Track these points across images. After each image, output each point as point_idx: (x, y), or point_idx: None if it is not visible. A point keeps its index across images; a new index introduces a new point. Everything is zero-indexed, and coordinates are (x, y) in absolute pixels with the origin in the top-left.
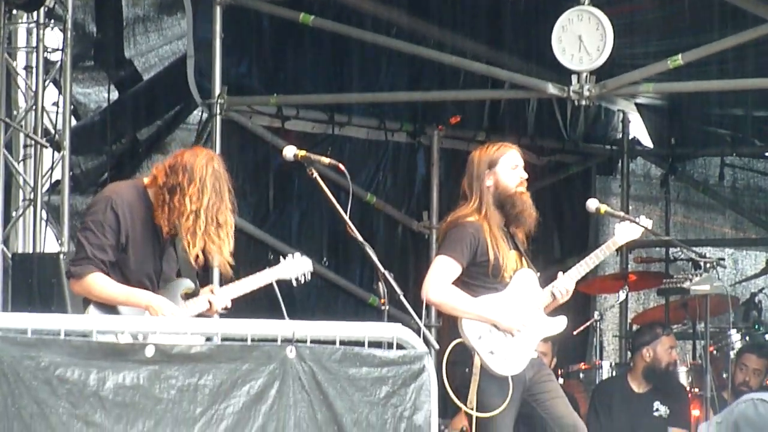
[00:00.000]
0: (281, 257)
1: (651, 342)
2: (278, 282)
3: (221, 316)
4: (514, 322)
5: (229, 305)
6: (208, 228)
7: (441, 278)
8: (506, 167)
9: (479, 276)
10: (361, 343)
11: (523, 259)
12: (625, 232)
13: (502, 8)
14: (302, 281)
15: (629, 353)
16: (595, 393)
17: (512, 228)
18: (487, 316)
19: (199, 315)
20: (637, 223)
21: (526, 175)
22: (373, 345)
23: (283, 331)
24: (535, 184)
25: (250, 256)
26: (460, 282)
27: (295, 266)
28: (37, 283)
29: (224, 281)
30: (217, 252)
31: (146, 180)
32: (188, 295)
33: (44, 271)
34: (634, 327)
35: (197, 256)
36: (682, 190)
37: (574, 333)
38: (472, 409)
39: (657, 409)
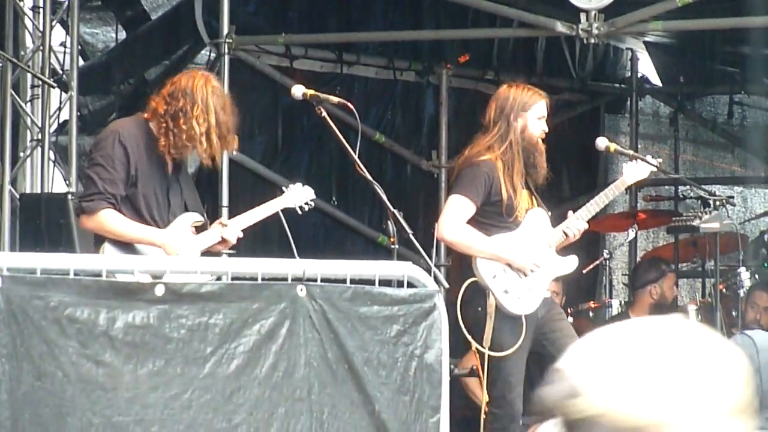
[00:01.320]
0: (283, 188)
1: (657, 280)
2: (283, 212)
3: (230, 255)
4: (528, 261)
5: (241, 236)
6: (223, 142)
7: (455, 217)
8: (535, 115)
9: (492, 215)
10: (371, 282)
11: (534, 198)
12: (635, 170)
13: None
14: (306, 209)
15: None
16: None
17: (530, 172)
18: (502, 255)
19: (210, 248)
20: (647, 162)
21: (547, 129)
22: (383, 283)
23: (294, 269)
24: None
25: (258, 195)
26: (473, 221)
27: (298, 195)
28: (45, 224)
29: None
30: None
31: (146, 114)
32: (198, 229)
33: (52, 212)
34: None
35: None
36: (691, 128)
37: (584, 271)
38: (486, 348)
39: None
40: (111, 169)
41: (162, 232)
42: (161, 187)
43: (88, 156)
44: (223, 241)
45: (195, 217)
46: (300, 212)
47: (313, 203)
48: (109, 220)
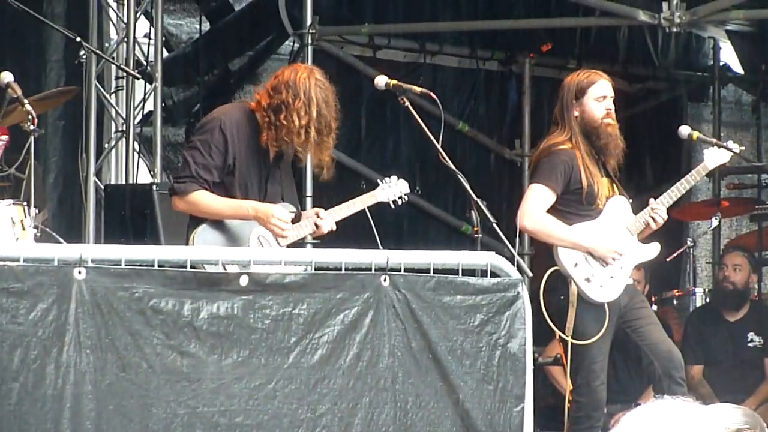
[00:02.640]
0: (378, 181)
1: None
2: (377, 205)
3: (314, 245)
4: (609, 249)
5: (335, 228)
6: (322, 138)
7: (536, 206)
8: (593, 98)
9: (573, 204)
10: (455, 271)
11: (615, 185)
12: (715, 156)
13: None
14: (399, 203)
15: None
16: (689, 322)
17: (602, 156)
18: (583, 244)
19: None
20: (728, 148)
21: (612, 107)
22: (466, 273)
23: (377, 259)
24: (627, 111)
25: (342, 185)
26: (553, 210)
27: (393, 188)
28: (130, 215)
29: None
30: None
31: (252, 104)
32: (291, 220)
33: (137, 203)
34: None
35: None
36: None
37: (668, 259)
38: (569, 336)
39: (751, 340)
40: (207, 155)
41: (252, 202)
42: (260, 175)
43: (188, 138)
44: (318, 229)
45: (288, 208)
46: (393, 206)
47: (407, 197)
48: (201, 199)
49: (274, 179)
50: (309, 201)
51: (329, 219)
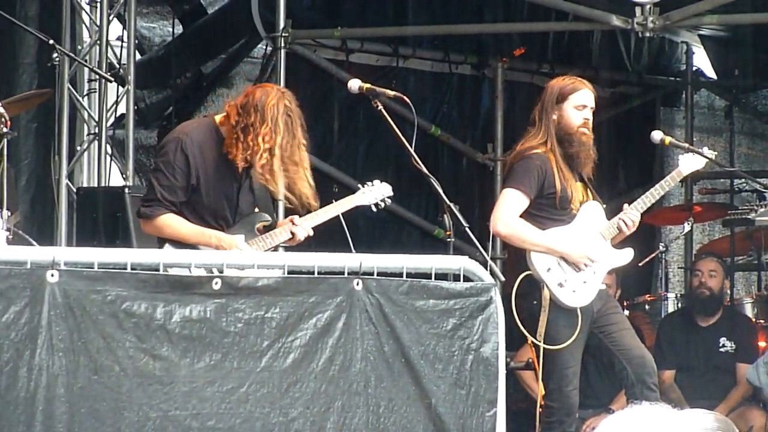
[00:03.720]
0: (358, 186)
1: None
2: (355, 209)
3: (287, 249)
4: (582, 255)
5: (311, 233)
6: (285, 166)
7: (509, 211)
8: (573, 105)
9: (547, 208)
10: (427, 276)
11: (589, 190)
12: (689, 162)
13: None
14: (382, 206)
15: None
16: (661, 327)
17: (573, 163)
18: (557, 248)
19: (280, 246)
20: (701, 154)
21: (591, 118)
22: (439, 277)
23: (350, 263)
24: (600, 116)
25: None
26: (527, 214)
27: (375, 192)
28: (102, 218)
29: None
30: (302, 189)
31: (218, 118)
32: (266, 228)
33: (109, 206)
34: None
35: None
36: (746, 121)
37: (640, 264)
38: (540, 341)
39: (723, 345)
40: (171, 177)
41: (217, 233)
42: (229, 188)
43: (153, 159)
44: (292, 238)
45: (262, 217)
46: (375, 209)
47: (390, 200)
48: (168, 224)
49: (245, 190)
50: (281, 206)
51: (304, 225)
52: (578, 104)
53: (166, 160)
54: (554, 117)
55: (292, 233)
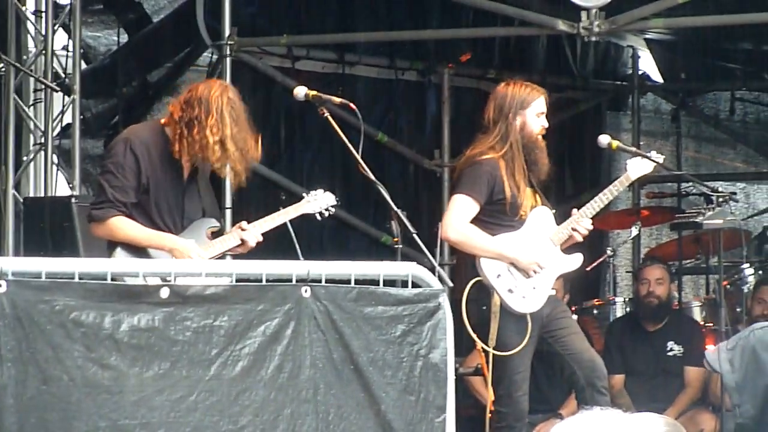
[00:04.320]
0: (303, 194)
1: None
2: (302, 217)
3: (234, 257)
4: (532, 261)
5: (261, 239)
6: (237, 154)
7: (459, 217)
8: (534, 112)
9: (496, 214)
10: (376, 282)
11: (538, 196)
12: (638, 167)
13: None
14: (326, 215)
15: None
16: (609, 332)
17: (529, 170)
18: (507, 255)
19: (230, 251)
20: (649, 158)
21: (547, 125)
22: (387, 284)
23: (298, 270)
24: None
25: (262, 196)
26: (477, 220)
27: (319, 201)
28: (49, 227)
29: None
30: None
31: (163, 120)
32: (214, 234)
33: (56, 215)
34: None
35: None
36: (693, 125)
37: (588, 269)
38: (491, 347)
39: (671, 349)
40: (121, 177)
41: (171, 236)
42: (176, 192)
43: (101, 162)
44: (242, 244)
45: (210, 223)
46: (319, 218)
47: (333, 209)
48: (119, 226)
49: (191, 195)
50: (228, 213)
51: (254, 231)
52: (538, 111)
53: (115, 161)
54: (516, 123)
55: (242, 239)
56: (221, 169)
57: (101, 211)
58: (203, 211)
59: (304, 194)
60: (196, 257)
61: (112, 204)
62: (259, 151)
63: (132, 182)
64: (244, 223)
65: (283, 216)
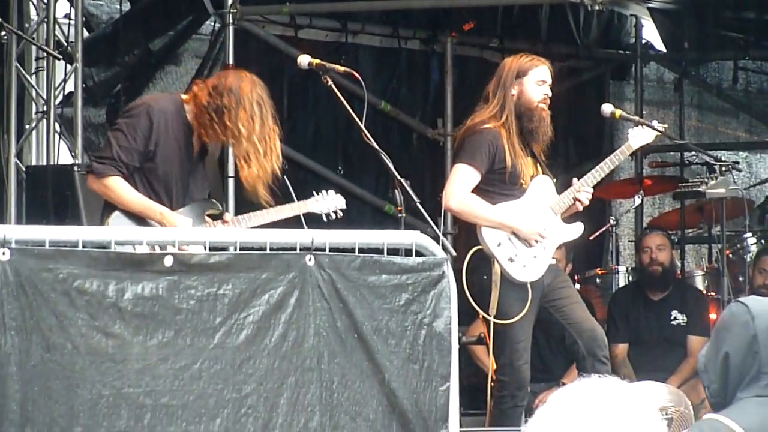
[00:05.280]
0: (314, 192)
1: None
2: (307, 214)
3: None
4: (533, 231)
5: None
6: (264, 153)
7: (461, 186)
8: (533, 80)
9: (497, 183)
10: (379, 251)
11: (539, 165)
12: (640, 136)
13: None
14: (333, 218)
15: None
16: (612, 301)
17: (530, 139)
18: (509, 224)
19: None
20: (652, 127)
21: (550, 93)
22: (391, 252)
23: (302, 239)
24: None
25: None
26: (477, 189)
27: (328, 202)
28: (52, 196)
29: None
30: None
31: (185, 96)
32: (214, 217)
33: (58, 184)
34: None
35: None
36: (696, 94)
37: (590, 238)
38: (492, 316)
39: (675, 318)
40: (131, 138)
41: (164, 209)
42: (183, 169)
43: (112, 119)
44: None
45: (211, 205)
46: (326, 219)
47: (342, 213)
48: (115, 187)
49: (196, 174)
50: (231, 182)
51: (243, 224)
52: (538, 80)
53: (130, 122)
54: (513, 92)
55: None
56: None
57: (102, 166)
58: (208, 194)
59: (314, 192)
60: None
61: (115, 162)
62: (279, 156)
63: (140, 146)
64: (227, 215)
65: (287, 211)
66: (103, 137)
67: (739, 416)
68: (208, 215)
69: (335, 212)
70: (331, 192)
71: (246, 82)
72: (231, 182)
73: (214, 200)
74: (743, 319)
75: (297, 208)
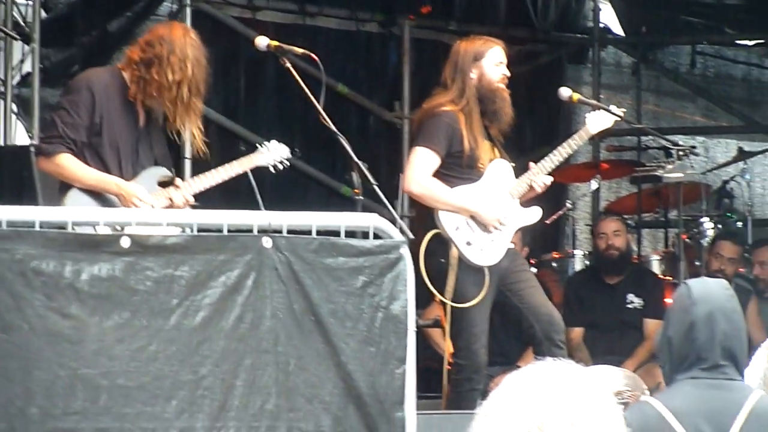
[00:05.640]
0: (258, 145)
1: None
2: (255, 170)
3: (195, 207)
4: (493, 218)
5: (192, 201)
6: (192, 99)
7: (421, 170)
8: (491, 62)
9: (454, 167)
10: (337, 233)
11: (497, 149)
12: (597, 121)
13: None
14: (280, 168)
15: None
16: (569, 285)
17: (486, 121)
18: (469, 208)
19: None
20: (610, 111)
21: (508, 74)
22: (348, 235)
23: (259, 221)
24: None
25: (221, 147)
26: (435, 173)
27: (273, 153)
28: (8, 177)
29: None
30: (193, 124)
31: (121, 64)
32: (165, 184)
33: (15, 164)
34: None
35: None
36: (654, 78)
37: (547, 222)
38: (449, 300)
39: (631, 301)
40: (75, 115)
41: (118, 180)
42: (130, 138)
43: (57, 100)
44: (172, 203)
45: (161, 171)
46: (273, 170)
47: (288, 162)
48: (65, 164)
49: (144, 142)
50: (188, 163)
51: (185, 190)
52: (496, 61)
53: (71, 99)
54: (473, 76)
55: (169, 199)
56: (172, 113)
57: (50, 145)
58: (155, 160)
59: (258, 145)
60: (143, 203)
61: (62, 140)
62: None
63: (85, 121)
64: (178, 180)
65: (236, 167)
66: (49, 117)
67: (669, 399)
68: (160, 183)
69: (281, 162)
70: (274, 142)
71: (177, 29)
72: (188, 164)
73: (163, 166)
74: (684, 303)
75: (245, 163)
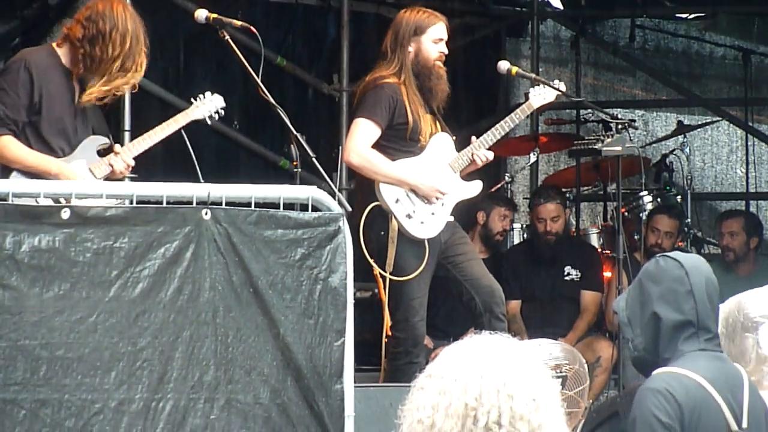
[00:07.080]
0: (192, 99)
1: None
2: (194, 138)
3: (134, 179)
4: (433, 188)
5: (132, 163)
6: (127, 73)
7: (361, 141)
8: (430, 38)
9: (396, 139)
10: (276, 205)
11: (438, 122)
12: (540, 95)
13: None
14: (216, 118)
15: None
16: (506, 258)
17: (428, 96)
18: (408, 180)
19: (111, 176)
20: (549, 85)
21: (446, 51)
22: (287, 207)
23: (198, 193)
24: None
25: (161, 119)
26: (376, 145)
27: (208, 104)
28: None
29: None
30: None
31: (56, 42)
32: (104, 152)
33: None
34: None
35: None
36: (593, 51)
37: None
38: (389, 272)
39: (568, 273)
40: (14, 95)
41: (58, 161)
42: (69, 113)
43: None
44: (113, 169)
45: (100, 140)
46: (209, 122)
47: (223, 111)
48: (6, 146)
49: (81, 116)
50: (127, 135)
51: (125, 155)
52: (435, 38)
53: (9, 79)
54: (410, 50)
55: (110, 164)
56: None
57: None
58: (91, 130)
59: (192, 99)
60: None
61: (2, 121)
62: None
63: (24, 101)
64: (117, 146)
65: (172, 125)
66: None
67: (697, 368)
68: (99, 152)
69: (217, 113)
70: (208, 93)
71: (116, 3)
72: (127, 136)
73: (99, 135)
74: (676, 274)
75: (181, 119)
